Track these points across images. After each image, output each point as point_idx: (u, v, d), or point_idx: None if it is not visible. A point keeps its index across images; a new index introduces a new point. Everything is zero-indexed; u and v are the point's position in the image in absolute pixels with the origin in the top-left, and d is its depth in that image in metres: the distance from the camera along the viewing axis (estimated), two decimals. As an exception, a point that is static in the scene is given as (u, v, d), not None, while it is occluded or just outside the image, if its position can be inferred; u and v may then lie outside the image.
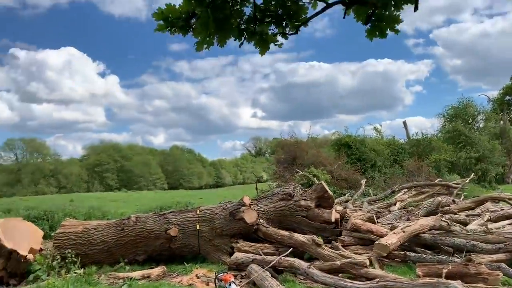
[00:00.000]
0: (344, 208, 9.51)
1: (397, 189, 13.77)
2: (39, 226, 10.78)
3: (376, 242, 6.84)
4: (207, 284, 6.51)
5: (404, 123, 26.92)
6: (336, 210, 8.09)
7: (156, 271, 7.22)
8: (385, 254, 6.77)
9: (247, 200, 7.95)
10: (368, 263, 6.10)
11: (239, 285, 6.06)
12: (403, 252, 6.92)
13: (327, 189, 8.26)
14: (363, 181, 16.07)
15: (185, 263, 7.64)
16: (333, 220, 7.86)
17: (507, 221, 9.09)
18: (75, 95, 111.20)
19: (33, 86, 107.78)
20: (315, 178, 15.46)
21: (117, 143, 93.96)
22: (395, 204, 12.53)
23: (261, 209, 8.06)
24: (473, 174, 18.26)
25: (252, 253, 7.34)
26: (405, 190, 13.77)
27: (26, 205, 16.78)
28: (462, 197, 13.52)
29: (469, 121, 29.78)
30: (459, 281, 5.00)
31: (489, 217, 9.07)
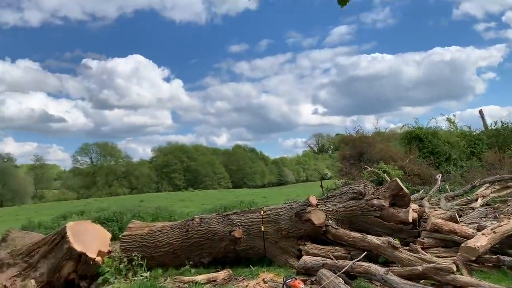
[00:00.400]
0: (420, 206, 8.70)
1: (477, 184, 12.52)
2: (109, 227, 11.07)
3: (463, 244, 6.07)
4: (275, 290, 6.12)
5: (481, 112, 24.84)
6: (413, 209, 7.36)
7: (222, 274, 6.97)
8: (474, 258, 5.98)
9: (313, 200, 7.46)
10: (455, 268, 5.38)
11: (309, 292, 5.61)
12: (495, 256, 6.08)
13: (402, 186, 7.54)
14: (438, 176, 14.85)
15: (251, 266, 7.32)
16: (410, 220, 7.14)
17: None
18: (143, 100, 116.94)
19: (105, 93, 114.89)
20: (385, 175, 14.54)
21: (183, 144, 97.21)
22: (476, 200, 11.39)
23: (329, 209, 7.54)
24: None
25: (322, 256, 6.85)
26: (487, 184, 12.50)
27: (98, 207, 17.52)
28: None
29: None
30: None
31: None
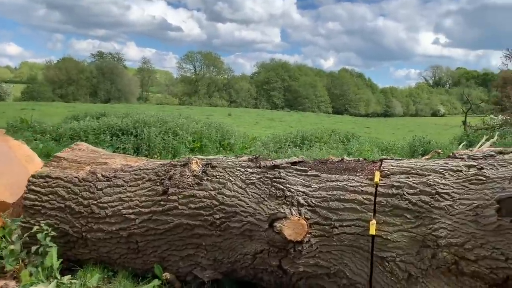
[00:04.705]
0: None
1: None
2: (122, 143, 6.98)
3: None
4: None
5: None
6: None
7: None
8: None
9: None
10: None
11: None
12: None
13: None
14: None
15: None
16: None
17: None
18: (255, 16, 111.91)
19: (219, 5, 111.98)
20: None
21: (286, 62, 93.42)
22: None
23: None
24: None
25: None
26: None
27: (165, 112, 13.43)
28: None
29: None
30: None
31: None
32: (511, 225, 2.00)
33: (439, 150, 7.06)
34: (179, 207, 2.85)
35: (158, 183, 3.00)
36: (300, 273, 2.57)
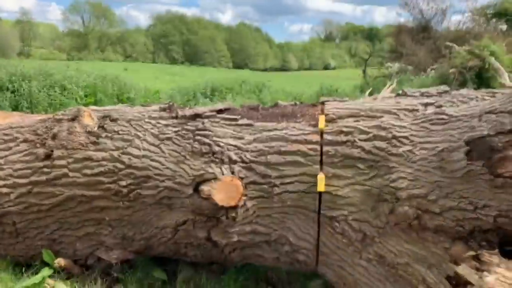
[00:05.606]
0: None
1: None
2: None
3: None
4: None
5: None
6: None
7: None
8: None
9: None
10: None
11: None
12: None
13: None
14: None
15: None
16: None
17: None
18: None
19: None
20: (492, 58, 8.49)
21: (184, 15, 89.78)
22: None
23: None
24: None
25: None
26: None
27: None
28: None
29: None
30: None
31: None
32: (482, 169, 1.72)
33: (347, 98, 6.97)
34: (70, 174, 2.18)
35: (38, 145, 2.26)
36: (234, 243, 2.11)
